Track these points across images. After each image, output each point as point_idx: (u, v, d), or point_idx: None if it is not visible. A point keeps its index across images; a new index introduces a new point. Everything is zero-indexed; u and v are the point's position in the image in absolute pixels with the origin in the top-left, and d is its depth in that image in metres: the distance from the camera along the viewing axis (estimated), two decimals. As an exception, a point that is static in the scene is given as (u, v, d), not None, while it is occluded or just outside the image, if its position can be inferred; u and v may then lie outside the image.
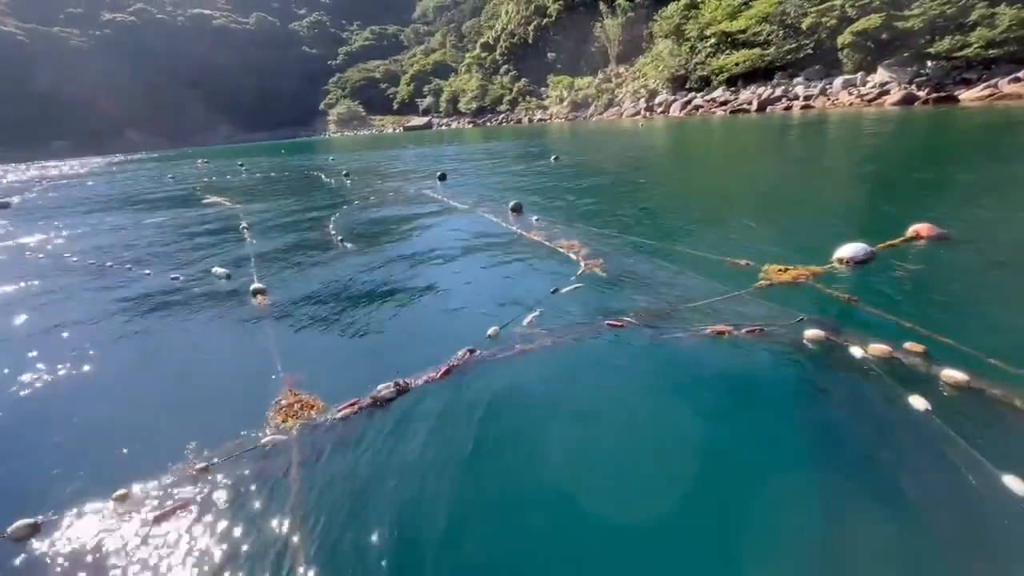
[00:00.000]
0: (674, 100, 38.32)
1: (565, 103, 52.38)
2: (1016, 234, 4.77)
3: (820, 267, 4.01)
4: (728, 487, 1.99)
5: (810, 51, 29.45)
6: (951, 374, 2.37)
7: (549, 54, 59.37)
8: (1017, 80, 19.78)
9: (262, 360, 3.34)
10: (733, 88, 34.16)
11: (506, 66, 64.31)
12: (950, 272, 3.91)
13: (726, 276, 4.06)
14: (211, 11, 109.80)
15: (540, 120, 54.01)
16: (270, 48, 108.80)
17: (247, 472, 2.25)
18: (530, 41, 60.27)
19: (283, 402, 2.74)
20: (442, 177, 12.34)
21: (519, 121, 56.92)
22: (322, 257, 6.09)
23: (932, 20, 22.52)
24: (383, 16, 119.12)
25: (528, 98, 58.73)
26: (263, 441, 2.43)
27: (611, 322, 3.38)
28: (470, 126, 62.61)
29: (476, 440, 2.39)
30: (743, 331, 3.10)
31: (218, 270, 5.51)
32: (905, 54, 24.07)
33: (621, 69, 49.72)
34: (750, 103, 30.79)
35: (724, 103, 33.32)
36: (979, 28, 21.22)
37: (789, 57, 30.40)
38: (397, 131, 73.63)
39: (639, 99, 42.75)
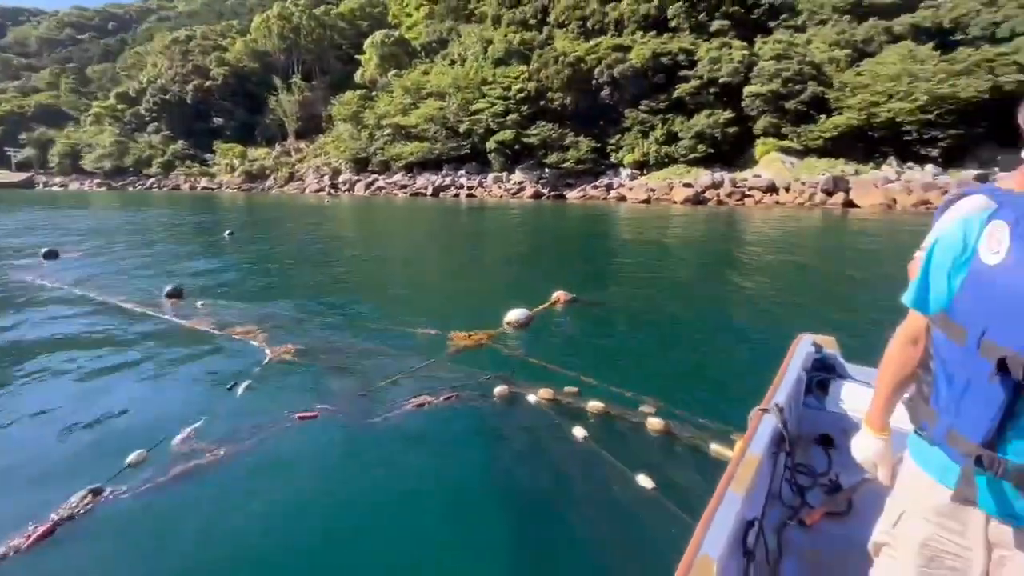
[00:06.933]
0: (358, 180, 39.89)
1: (238, 172, 47.86)
2: (620, 294, 6.59)
3: (494, 330, 4.60)
4: (444, 537, 2.04)
5: (468, 151, 35.63)
6: (595, 404, 3.11)
7: (215, 119, 53.80)
8: (596, 187, 28.79)
9: None
10: (411, 174, 38.01)
11: (155, 124, 54.68)
12: (584, 326, 5.07)
13: (418, 346, 4.21)
14: None
15: (206, 189, 47.41)
16: None
17: None
18: (189, 101, 53.24)
19: None
20: (51, 255, 9.07)
21: (177, 187, 48.63)
22: None
23: (545, 139, 30.72)
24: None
25: (189, 163, 51.10)
26: None
27: (302, 415, 2.99)
28: (102, 189, 50.02)
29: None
30: (441, 398, 3.22)
31: None
32: (531, 161, 31.87)
33: (301, 144, 49.07)
34: (426, 188, 34.76)
35: (404, 186, 36.62)
36: (570, 150, 30.06)
37: (453, 153, 35.98)
38: (-27, 187, 52.42)
39: (323, 175, 42.80)
